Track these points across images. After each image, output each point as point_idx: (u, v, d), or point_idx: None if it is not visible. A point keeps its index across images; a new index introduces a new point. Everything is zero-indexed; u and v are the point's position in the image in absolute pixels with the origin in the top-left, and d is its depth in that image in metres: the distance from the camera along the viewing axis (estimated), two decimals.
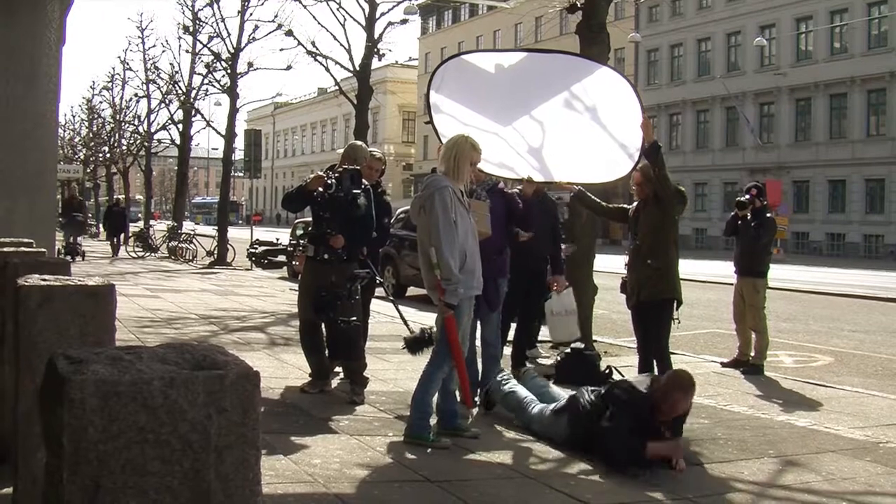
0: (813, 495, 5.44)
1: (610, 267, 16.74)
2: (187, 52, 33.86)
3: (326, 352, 7.90)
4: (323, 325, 7.80)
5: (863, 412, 8.06)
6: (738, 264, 10.46)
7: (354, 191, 7.45)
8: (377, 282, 8.73)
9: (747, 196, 10.47)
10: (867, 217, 45.08)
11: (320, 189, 7.52)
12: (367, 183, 7.79)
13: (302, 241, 7.96)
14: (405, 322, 7.88)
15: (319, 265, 7.67)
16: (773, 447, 6.54)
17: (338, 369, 8.28)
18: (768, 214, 10.56)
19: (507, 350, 9.66)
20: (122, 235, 31.04)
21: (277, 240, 27.34)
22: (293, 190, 8.01)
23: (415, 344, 6.66)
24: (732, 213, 10.65)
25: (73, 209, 27.90)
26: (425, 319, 10.00)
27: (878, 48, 45.08)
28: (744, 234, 10.39)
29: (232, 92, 28.39)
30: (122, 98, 47.18)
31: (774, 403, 8.47)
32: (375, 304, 9.48)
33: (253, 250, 26.14)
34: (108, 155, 49.69)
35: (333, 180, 7.49)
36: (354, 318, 7.53)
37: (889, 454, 6.45)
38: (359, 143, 8.91)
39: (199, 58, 32.74)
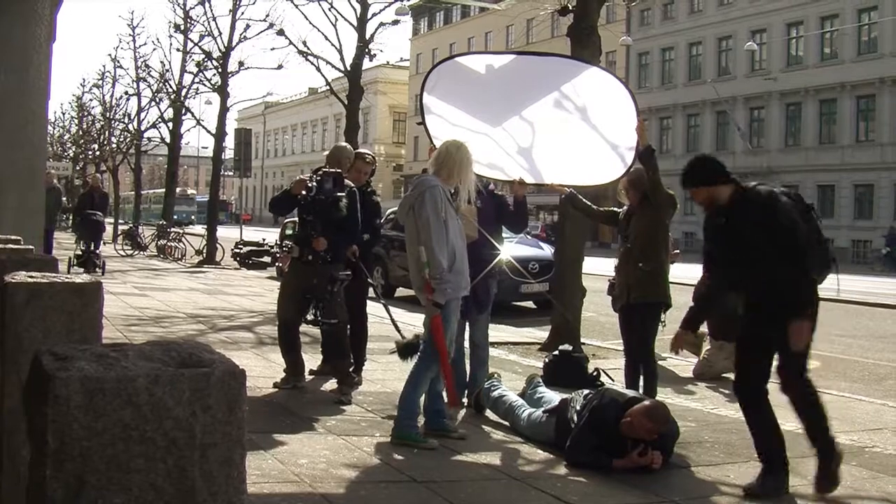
0: (799, 499, 5.45)
1: (598, 269, 16.76)
2: (178, 50, 33.87)
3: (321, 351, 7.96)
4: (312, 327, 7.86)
5: (849, 417, 8.09)
6: (711, 331, 10.34)
7: (337, 193, 7.50)
8: (369, 283, 8.75)
9: None
10: (856, 222, 45.23)
11: (303, 192, 7.59)
12: (351, 185, 7.82)
13: (287, 242, 8.04)
14: (396, 327, 7.88)
15: (303, 266, 7.72)
16: None
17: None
18: None
19: (494, 352, 9.67)
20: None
21: (263, 240, 27.31)
22: (280, 194, 8.17)
23: (406, 350, 6.66)
24: (700, 279, 10.57)
25: (93, 205, 20.26)
26: (414, 320, 10.00)
27: (867, 54, 45.24)
28: None
29: (222, 91, 28.36)
30: (112, 96, 47.10)
31: None
32: None
33: (237, 250, 26.09)
34: (97, 153, 49.53)
35: (314, 184, 7.54)
36: (335, 321, 7.58)
37: (875, 459, 6.47)
38: (343, 144, 8.96)
39: (190, 56, 32.70)
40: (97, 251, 19.62)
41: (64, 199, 24.60)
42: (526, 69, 8.45)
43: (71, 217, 24.32)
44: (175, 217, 51.56)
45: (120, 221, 40.86)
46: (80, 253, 19.49)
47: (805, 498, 5.48)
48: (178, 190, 38.43)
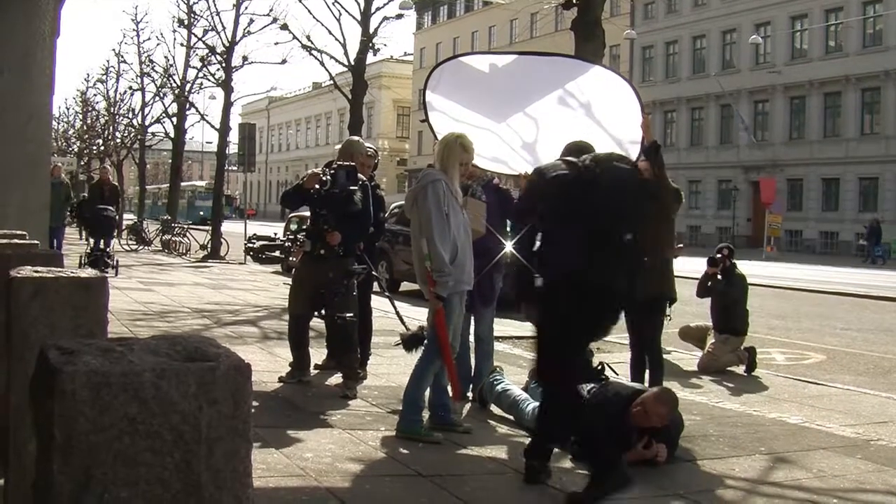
0: (803, 492, 5.45)
1: None
2: (182, 45, 33.98)
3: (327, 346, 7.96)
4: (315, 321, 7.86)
5: (854, 410, 8.09)
6: (716, 324, 10.37)
7: (351, 187, 7.49)
8: (374, 277, 8.77)
9: (718, 255, 10.51)
10: (860, 215, 45.12)
11: (317, 186, 7.57)
12: (364, 179, 7.83)
13: (299, 236, 8.11)
14: (401, 319, 7.91)
15: (316, 261, 7.73)
16: (765, 444, 6.56)
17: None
18: (737, 271, 10.56)
19: (499, 346, 9.67)
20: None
21: (275, 234, 27.29)
22: (291, 188, 8.14)
23: (410, 341, 6.67)
24: (703, 274, 10.64)
25: (102, 199, 18.80)
26: (419, 314, 10.00)
27: (872, 47, 45.15)
28: (715, 292, 10.43)
29: (226, 85, 28.35)
30: (116, 91, 47.20)
31: (766, 400, 8.49)
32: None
33: (251, 245, 26.07)
34: (102, 148, 49.59)
35: (329, 177, 7.53)
36: (351, 315, 7.59)
37: (879, 451, 6.47)
38: (355, 137, 8.96)
39: (194, 51, 32.76)
40: (108, 249, 17.84)
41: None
42: (530, 68, 8.46)
43: (76, 211, 22.91)
44: (202, 214, 51.20)
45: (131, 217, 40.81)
46: (89, 252, 17.66)
47: (808, 490, 5.48)
48: (204, 184, 38.11)
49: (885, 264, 36.82)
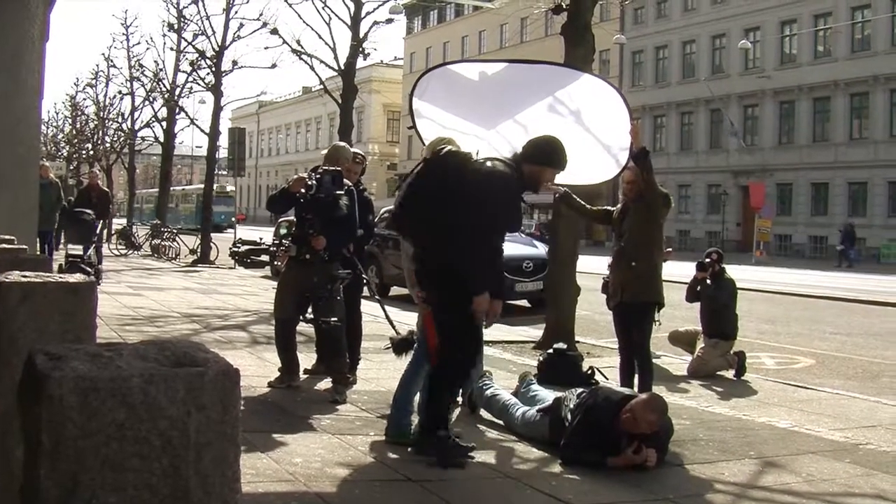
0: (792, 496, 5.47)
1: (592, 268, 16.78)
2: (172, 49, 33.89)
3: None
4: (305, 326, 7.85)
5: (843, 414, 8.11)
6: (705, 328, 10.39)
7: (337, 192, 7.49)
8: (363, 280, 8.76)
9: (707, 259, 10.54)
10: (849, 220, 45.30)
11: (302, 190, 7.57)
12: (349, 183, 7.83)
13: (285, 241, 8.13)
14: (391, 323, 7.89)
15: (301, 265, 7.72)
16: (754, 448, 6.57)
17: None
18: (726, 275, 10.60)
19: (489, 350, 9.66)
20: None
21: (261, 239, 27.25)
22: (277, 192, 8.12)
23: (400, 346, 6.66)
24: (692, 278, 10.68)
25: (90, 204, 18.13)
26: (408, 319, 10.00)
27: (861, 52, 45.30)
28: (704, 297, 10.46)
29: (216, 90, 28.29)
30: (105, 95, 47.11)
31: (755, 405, 8.51)
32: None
33: (236, 249, 26.03)
34: (91, 152, 49.46)
35: (314, 182, 7.53)
36: (335, 319, 7.58)
37: (869, 456, 6.48)
38: (341, 143, 8.96)
39: (184, 55, 32.67)
40: (87, 256, 16.35)
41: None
42: (519, 76, 8.45)
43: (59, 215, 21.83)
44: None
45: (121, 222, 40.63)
46: (66, 258, 16.11)
47: (797, 495, 5.49)
48: (215, 187, 37.19)
49: (851, 267, 36.88)
